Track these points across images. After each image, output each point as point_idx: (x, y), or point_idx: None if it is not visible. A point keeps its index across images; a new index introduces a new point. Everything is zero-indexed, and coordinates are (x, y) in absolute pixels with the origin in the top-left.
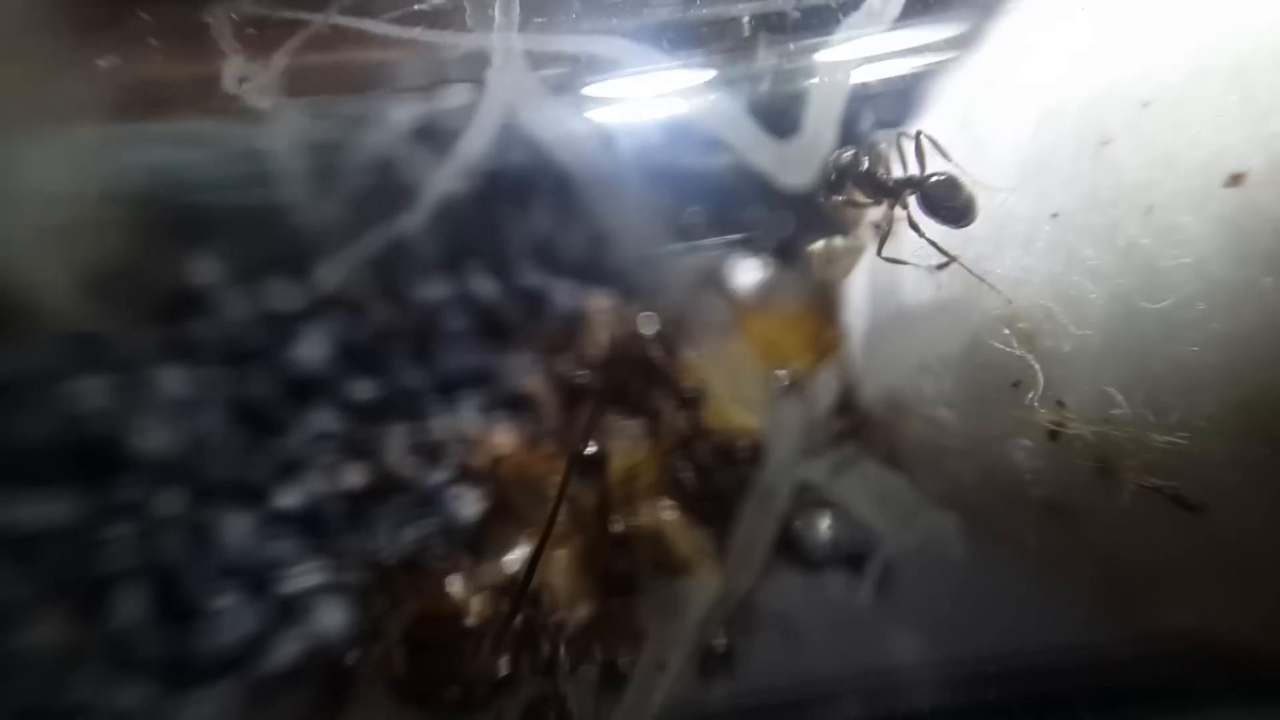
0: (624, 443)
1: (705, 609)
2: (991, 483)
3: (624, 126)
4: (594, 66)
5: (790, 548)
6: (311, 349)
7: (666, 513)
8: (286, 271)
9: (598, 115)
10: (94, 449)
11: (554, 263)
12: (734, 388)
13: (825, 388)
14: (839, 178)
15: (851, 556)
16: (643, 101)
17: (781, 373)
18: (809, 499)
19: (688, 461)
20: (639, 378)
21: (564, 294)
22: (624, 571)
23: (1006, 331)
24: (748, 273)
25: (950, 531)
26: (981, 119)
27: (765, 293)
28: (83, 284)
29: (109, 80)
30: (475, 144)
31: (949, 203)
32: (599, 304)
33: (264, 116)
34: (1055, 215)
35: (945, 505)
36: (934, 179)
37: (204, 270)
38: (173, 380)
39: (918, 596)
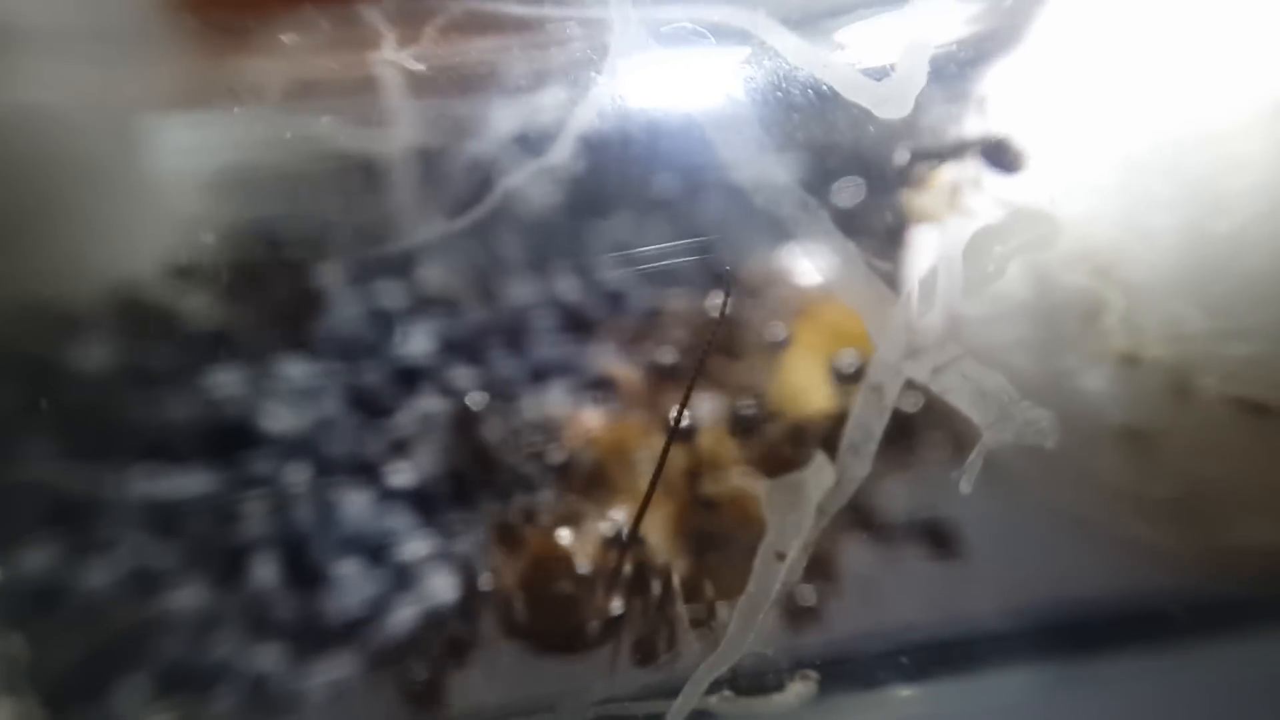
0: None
1: (821, 498)
2: (1070, 416)
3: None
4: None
5: (865, 515)
6: (416, 342)
7: (748, 480)
8: (393, 273)
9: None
10: (228, 431)
11: (637, 260)
12: (802, 372)
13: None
14: (921, 155)
15: (929, 524)
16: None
17: (849, 358)
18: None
19: (756, 440)
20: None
21: (645, 290)
22: (713, 532)
23: (1081, 268)
24: (819, 255)
25: (1046, 423)
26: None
27: (835, 276)
28: (216, 292)
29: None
30: (567, 147)
31: (1003, 155)
32: (678, 295)
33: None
34: (1125, 156)
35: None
36: (987, 141)
37: (324, 274)
38: (296, 371)
39: (995, 551)
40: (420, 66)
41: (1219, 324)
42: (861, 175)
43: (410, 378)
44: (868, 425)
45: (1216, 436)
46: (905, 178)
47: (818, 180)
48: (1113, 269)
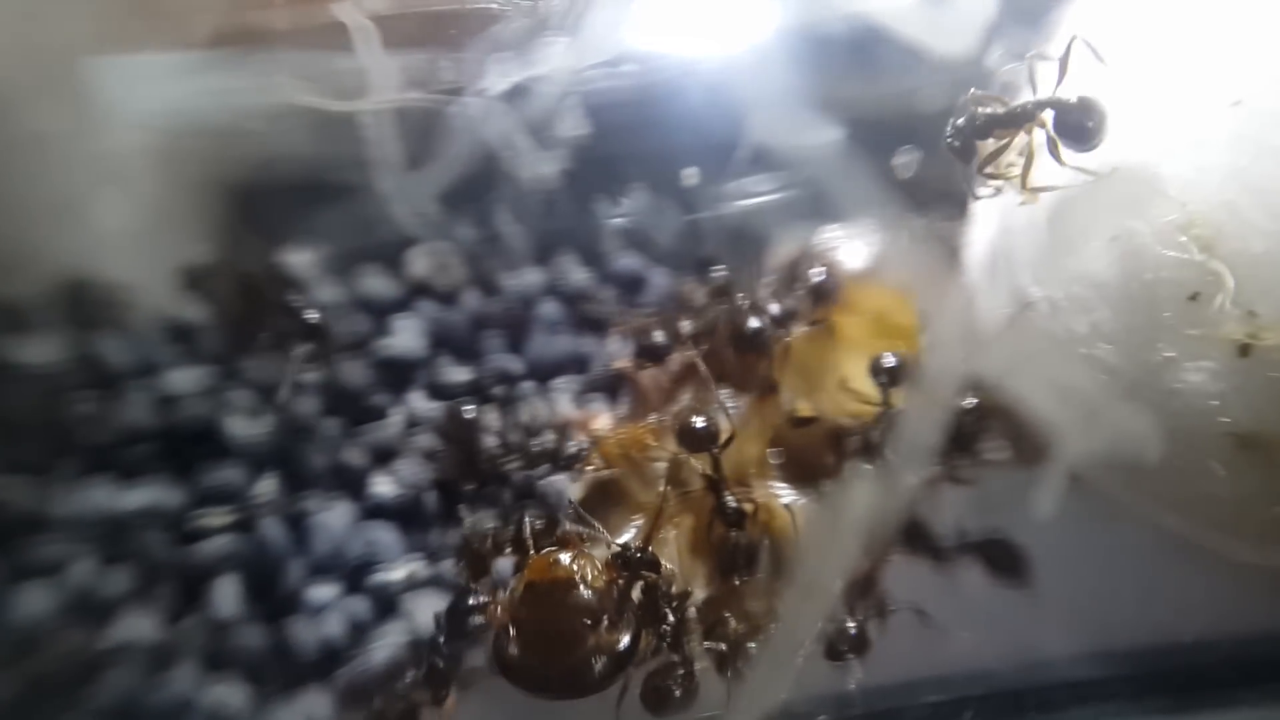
0: (732, 420)
1: (865, 516)
2: (1171, 418)
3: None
4: None
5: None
6: (405, 337)
7: (777, 492)
8: (380, 260)
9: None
10: (191, 438)
11: (649, 244)
12: (843, 367)
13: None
14: (970, 134)
15: (985, 543)
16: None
17: (890, 356)
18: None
19: (792, 443)
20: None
21: (658, 277)
22: (740, 553)
23: (1182, 239)
24: (862, 243)
25: (1144, 429)
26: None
27: (882, 252)
28: (178, 277)
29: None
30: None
31: (1082, 122)
32: (695, 285)
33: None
34: (1237, 103)
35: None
36: (1069, 98)
37: (299, 260)
38: (266, 370)
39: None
40: (382, 6)
41: None
42: (915, 129)
43: (395, 377)
44: (920, 430)
45: None
46: (970, 131)
47: (859, 137)
48: (1220, 239)
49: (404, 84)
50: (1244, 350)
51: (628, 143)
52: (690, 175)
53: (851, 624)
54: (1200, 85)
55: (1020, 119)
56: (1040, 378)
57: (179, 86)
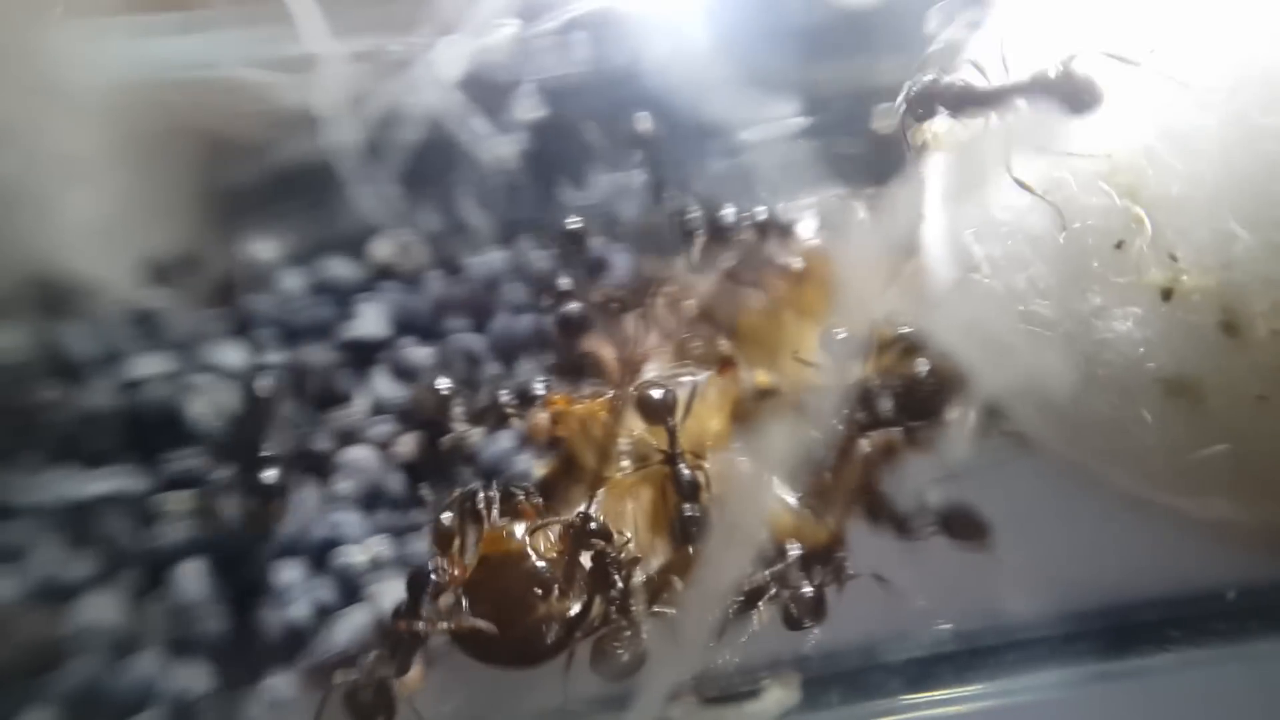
0: (691, 390)
1: (778, 466)
2: (1100, 365)
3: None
4: None
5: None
6: (368, 320)
7: (736, 461)
8: (342, 245)
9: None
10: (155, 425)
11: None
12: (797, 339)
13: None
14: (923, 102)
15: (944, 514)
16: None
17: (840, 330)
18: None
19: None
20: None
21: (623, 258)
22: (691, 521)
23: (1104, 188)
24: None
25: (1060, 369)
26: None
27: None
28: (142, 265)
29: None
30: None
31: (1080, 91)
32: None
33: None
34: (1153, 50)
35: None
36: (1060, 73)
37: (261, 246)
38: (231, 355)
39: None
40: None
41: (1274, 240)
42: (869, 101)
43: (359, 360)
44: (839, 372)
45: (1276, 381)
46: (938, 91)
47: (813, 108)
48: (1142, 185)
49: (351, 59)
50: (1166, 294)
51: (583, 117)
52: (643, 119)
53: (808, 588)
54: (1118, 33)
55: (995, 101)
56: (982, 337)
57: (120, 51)
